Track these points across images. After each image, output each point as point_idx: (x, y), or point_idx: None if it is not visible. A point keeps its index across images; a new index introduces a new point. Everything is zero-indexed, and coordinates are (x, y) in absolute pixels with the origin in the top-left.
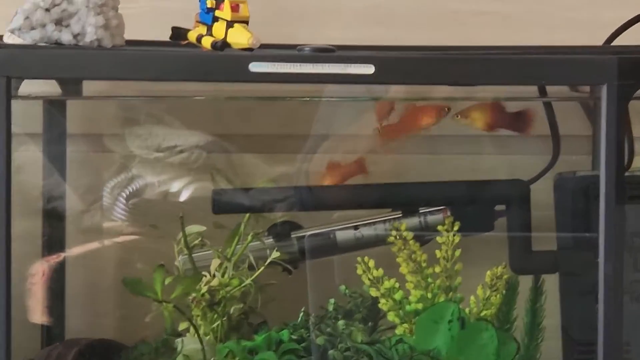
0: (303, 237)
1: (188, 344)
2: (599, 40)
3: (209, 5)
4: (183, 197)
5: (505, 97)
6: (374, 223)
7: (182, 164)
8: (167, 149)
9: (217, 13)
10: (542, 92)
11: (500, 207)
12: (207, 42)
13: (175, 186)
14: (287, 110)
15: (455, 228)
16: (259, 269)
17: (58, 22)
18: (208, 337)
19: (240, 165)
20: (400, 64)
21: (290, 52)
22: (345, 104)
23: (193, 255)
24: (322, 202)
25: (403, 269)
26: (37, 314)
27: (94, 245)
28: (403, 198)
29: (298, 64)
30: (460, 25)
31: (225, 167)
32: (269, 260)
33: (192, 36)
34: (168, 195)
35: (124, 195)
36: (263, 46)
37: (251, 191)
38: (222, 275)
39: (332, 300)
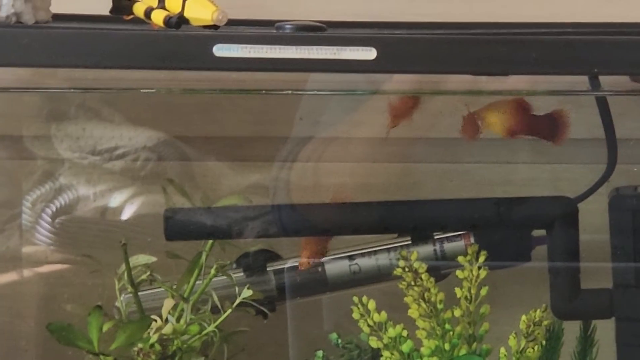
0: (283, 270)
1: None
2: None
3: None
4: (126, 215)
5: (546, 90)
6: (374, 252)
7: (125, 172)
8: (106, 152)
9: None
10: (595, 84)
11: (539, 232)
12: (158, 17)
13: (115, 200)
14: (261, 106)
15: (481, 259)
16: (225, 312)
17: None
18: None
19: (201, 175)
20: (409, 47)
21: (267, 31)
22: (336, 98)
23: (139, 293)
24: (308, 226)
25: (413, 312)
26: None
27: (9, 277)
28: (413, 220)
29: (277, 47)
30: None
31: (182, 178)
32: (238, 301)
33: (139, 10)
34: (107, 212)
35: (49, 212)
36: (231, 23)
37: (215, 210)
38: (178, 320)
39: (320, 353)
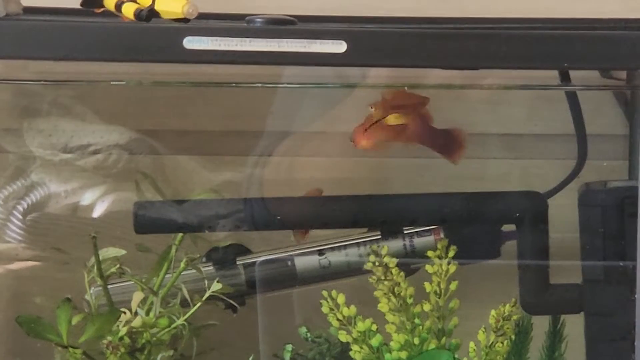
0: (252, 264)
1: None
2: (638, 11)
3: None
4: (98, 212)
5: (517, 85)
6: (344, 247)
7: (97, 169)
8: (78, 149)
9: None
10: (565, 79)
11: (509, 227)
12: (129, 10)
13: (87, 197)
14: (233, 100)
15: (451, 254)
16: (194, 306)
17: None
18: None
19: (172, 170)
20: (379, 41)
21: (237, 25)
22: (310, 92)
23: (109, 286)
24: (278, 220)
25: (382, 306)
26: None
27: None
28: (383, 214)
29: (247, 40)
30: None
31: (154, 173)
32: (207, 294)
33: (109, 2)
34: (78, 209)
35: (21, 208)
36: (202, 16)
37: (186, 204)
38: (147, 313)
39: (289, 347)
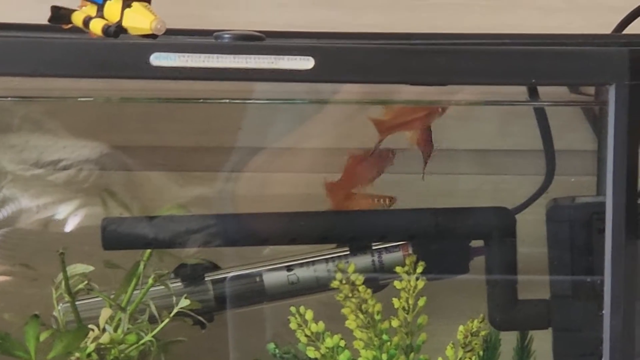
0: (221, 280)
1: None
2: (606, 27)
3: None
4: (69, 227)
5: (485, 100)
6: (312, 263)
7: (69, 184)
8: (49, 164)
9: None
10: (533, 94)
11: (477, 243)
12: (96, 26)
13: (59, 212)
14: (202, 116)
15: (419, 270)
16: (162, 322)
17: None
18: None
19: (142, 185)
20: (347, 57)
21: (205, 40)
22: (279, 107)
23: (77, 303)
24: (247, 235)
25: (350, 323)
26: None
27: None
28: (351, 230)
29: (215, 56)
30: (426, 7)
31: (125, 188)
32: (175, 310)
33: (77, 18)
34: (49, 224)
35: None
36: (170, 32)
37: (154, 220)
38: (115, 330)
39: None
